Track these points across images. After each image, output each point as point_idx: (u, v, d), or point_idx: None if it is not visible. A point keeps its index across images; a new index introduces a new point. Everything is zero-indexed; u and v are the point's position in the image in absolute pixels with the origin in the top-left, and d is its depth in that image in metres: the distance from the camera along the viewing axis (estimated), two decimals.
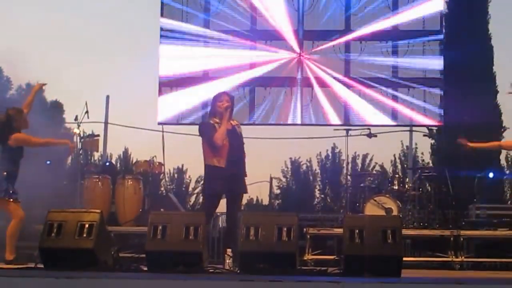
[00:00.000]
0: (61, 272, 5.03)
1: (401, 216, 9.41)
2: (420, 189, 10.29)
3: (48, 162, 7.83)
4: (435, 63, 10.99)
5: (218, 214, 9.52)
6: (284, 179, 19.25)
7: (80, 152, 10.05)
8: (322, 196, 18.92)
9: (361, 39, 11.10)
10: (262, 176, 13.84)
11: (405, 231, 7.79)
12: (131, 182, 9.90)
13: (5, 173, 7.50)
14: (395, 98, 10.97)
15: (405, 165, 16.58)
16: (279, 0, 11.30)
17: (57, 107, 17.29)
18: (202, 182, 14.88)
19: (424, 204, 10.35)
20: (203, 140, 7.00)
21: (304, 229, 9.21)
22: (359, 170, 17.66)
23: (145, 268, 5.89)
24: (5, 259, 7.27)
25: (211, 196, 7.03)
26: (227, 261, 6.57)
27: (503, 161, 14.68)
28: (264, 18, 11.28)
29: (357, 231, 5.75)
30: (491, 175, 11.16)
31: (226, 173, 6.83)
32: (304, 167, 19.38)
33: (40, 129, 8.15)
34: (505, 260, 8.98)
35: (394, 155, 17.93)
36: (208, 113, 7.40)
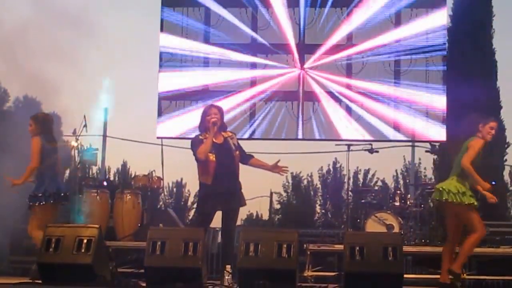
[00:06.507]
0: (59, 287, 4.98)
1: (402, 232, 9.34)
2: (422, 206, 10.20)
3: None
4: (438, 78, 10.93)
5: (218, 229, 9.43)
6: (284, 194, 19.12)
7: (78, 165, 9.97)
8: (323, 211, 18.78)
9: (363, 53, 11.04)
10: (262, 190, 13.79)
11: (406, 248, 7.71)
12: (129, 197, 9.83)
13: None
14: (397, 113, 10.89)
15: (407, 181, 16.48)
16: (280, 14, 11.26)
17: (55, 120, 17.16)
18: None
19: (426, 221, 10.26)
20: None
21: (305, 245, 9.12)
22: (360, 185, 17.52)
23: (144, 284, 5.83)
24: None
25: (201, 215, 7.03)
26: (226, 277, 6.49)
27: (506, 177, 14.57)
28: (265, 32, 11.24)
29: (357, 248, 5.70)
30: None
31: (213, 191, 6.77)
32: (305, 182, 19.24)
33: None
34: (508, 278, 8.88)
35: (396, 170, 17.81)
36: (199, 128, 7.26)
